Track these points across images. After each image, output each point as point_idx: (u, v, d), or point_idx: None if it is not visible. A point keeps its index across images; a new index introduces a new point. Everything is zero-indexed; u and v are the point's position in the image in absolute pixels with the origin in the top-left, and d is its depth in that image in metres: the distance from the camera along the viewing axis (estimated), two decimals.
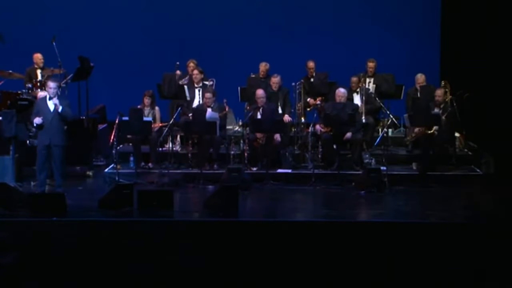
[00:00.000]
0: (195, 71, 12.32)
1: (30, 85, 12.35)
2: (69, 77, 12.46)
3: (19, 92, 12.13)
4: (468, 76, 12.56)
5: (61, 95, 10.50)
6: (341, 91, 11.56)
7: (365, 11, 14.31)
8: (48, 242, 8.49)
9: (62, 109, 10.05)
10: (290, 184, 11.01)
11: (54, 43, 12.43)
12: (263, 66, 12.74)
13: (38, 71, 12.68)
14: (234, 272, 8.39)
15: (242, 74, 13.03)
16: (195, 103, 12.17)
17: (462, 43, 13.24)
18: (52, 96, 10.10)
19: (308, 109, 12.56)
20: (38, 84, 12.35)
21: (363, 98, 12.12)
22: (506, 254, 8.38)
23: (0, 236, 8.51)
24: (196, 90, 12.25)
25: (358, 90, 12.23)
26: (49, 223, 8.72)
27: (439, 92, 11.66)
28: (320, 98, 12.41)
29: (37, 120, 10.08)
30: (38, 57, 12.69)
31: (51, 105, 10.07)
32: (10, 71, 12.47)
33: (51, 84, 10.18)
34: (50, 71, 12.63)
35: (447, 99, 11.92)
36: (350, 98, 11.99)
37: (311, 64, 12.86)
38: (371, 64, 12.72)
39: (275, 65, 12.83)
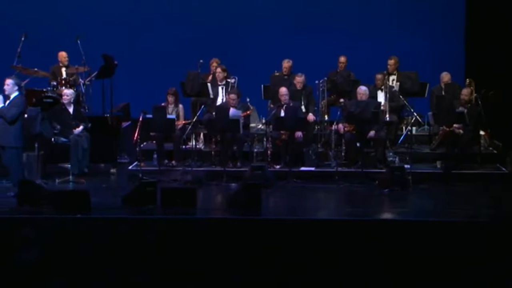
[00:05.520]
0: (218, 69, 12.36)
1: (55, 83, 12.43)
2: (93, 75, 12.57)
3: (44, 90, 12.21)
4: (493, 74, 12.48)
5: (18, 94, 10.27)
6: (362, 89, 11.50)
7: (389, 9, 14.27)
8: (72, 238, 8.52)
9: None
10: (313, 182, 10.96)
11: (78, 42, 12.53)
12: (286, 63, 12.73)
13: (63, 69, 12.78)
14: (256, 269, 8.36)
15: (265, 72, 13.03)
16: (218, 101, 12.21)
17: (487, 40, 13.16)
18: (6, 93, 10.04)
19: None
20: (63, 82, 12.44)
21: (387, 95, 12.08)
22: None
23: (25, 232, 8.57)
24: (219, 88, 12.28)
25: (382, 87, 12.19)
26: (73, 220, 8.76)
27: (465, 91, 11.58)
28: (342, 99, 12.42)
29: None
30: (63, 55, 12.79)
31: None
32: (36, 69, 12.55)
33: (7, 81, 10.11)
34: (74, 69, 12.73)
35: (472, 97, 11.87)
36: (374, 96, 11.96)
37: (342, 59, 12.89)
38: (390, 62, 12.66)
39: (298, 62, 12.83)
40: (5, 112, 9.98)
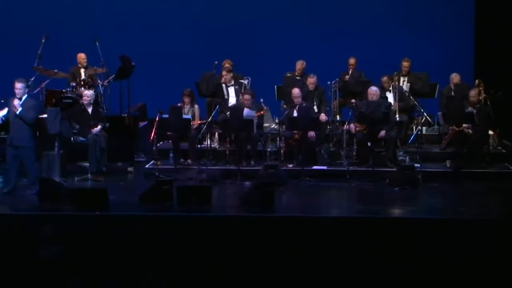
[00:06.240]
0: (223, 72, 12.52)
1: (74, 84, 12.62)
2: (111, 76, 12.72)
3: (63, 90, 12.42)
4: (502, 75, 12.55)
5: (31, 96, 10.53)
6: (373, 89, 11.59)
7: (399, 11, 14.34)
8: (91, 235, 8.67)
9: (20, 111, 10.08)
10: (325, 181, 11.06)
11: (97, 43, 12.69)
12: (300, 65, 12.87)
13: (82, 70, 12.92)
14: (269, 266, 8.46)
15: (278, 72, 13.16)
16: (230, 101, 12.35)
17: (496, 41, 13.22)
18: (19, 96, 10.15)
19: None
20: (82, 83, 12.61)
21: (396, 96, 12.21)
22: None
23: (46, 230, 8.76)
24: (229, 89, 12.45)
25: (390, 88, 12.31)
26: (92, 218, 8.92)
27: (472, 93, 11.63)
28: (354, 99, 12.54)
29: None
30: (81, 57, 12.94)
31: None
32: (56, 70, 12.73)
33: (18, 85, 10.17)
34: (93, 70, 12.88)
35: (481, 98, 11.96)
36: (383, 97, 12.05)
37: (352, 60, 12.99)
38: (405, 63, 12.78)
39: (311, 63, 12.96)
40: (25, 116, 10.13)
